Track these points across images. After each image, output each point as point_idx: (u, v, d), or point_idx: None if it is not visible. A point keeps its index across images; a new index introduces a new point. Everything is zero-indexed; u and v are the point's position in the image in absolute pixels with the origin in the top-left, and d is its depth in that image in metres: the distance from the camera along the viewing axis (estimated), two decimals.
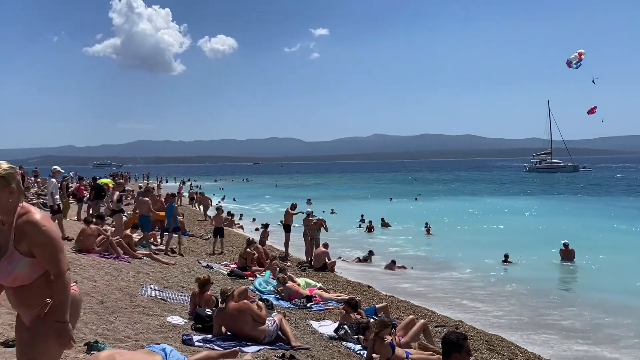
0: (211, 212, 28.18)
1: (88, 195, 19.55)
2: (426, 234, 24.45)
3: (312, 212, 17.85)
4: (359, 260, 17.73)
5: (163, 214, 15.32)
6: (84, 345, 5.20)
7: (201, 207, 30.62)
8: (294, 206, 18.03)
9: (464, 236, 24.07)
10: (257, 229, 23.59)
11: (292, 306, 9.95)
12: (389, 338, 6.63)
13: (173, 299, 8.73)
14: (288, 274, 11.63)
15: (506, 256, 17.40)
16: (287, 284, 10.62)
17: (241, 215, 30.48)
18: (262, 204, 42.12)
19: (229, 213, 25.74)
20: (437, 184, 77.14)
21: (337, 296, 10.96)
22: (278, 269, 12.62)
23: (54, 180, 13.62)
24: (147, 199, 14.38)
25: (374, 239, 23.21)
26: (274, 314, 7.75)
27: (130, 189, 33.25)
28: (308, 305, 10.12)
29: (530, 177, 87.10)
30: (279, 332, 6.90)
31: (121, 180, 22.49)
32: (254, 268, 13.39)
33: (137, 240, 13.30)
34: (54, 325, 2.77)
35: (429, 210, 34.13)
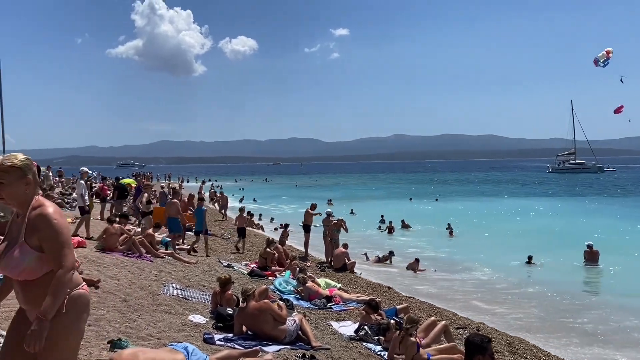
0: (230, 212, 28.38)
1: (111, 195, 19.83)
2: (449, 235, 24.24)
3: (332, 212, 17.83)
4: (379, 259, 17.68)
5: (189, 213, 15.55)
6: (107, 342, 5.27)
7: (217, 205, 30.82)
8: (313, 206, 18.03)
9: (486, 237, 23.80)
10: (276, 229, 23.67)
11: (312, 306, 9.95)
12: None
13: (194, 298, 8.80)
14: (308, 274, 11.63)
15: (530, 258, 17.16)
16: (307, 284, 10.63)
17: (260, 215, 30.61)
18: (282, 205, 42.23)
19: (248, 213, 25.86)
20: (457, 184, 76.41)
21: (357, 297, 10.93)
22: (298, 269, 12.64)
23: (82, 181, 13.90)
24: (175, 200, 14.52)
25: (394, 240, 23.08)
26: (294, 314, 7.76)
27: (153, 189, 33.57)
28: (328, 305, 10.11)
29: (554, 178, 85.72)
30: (299, 332, 6.90)
31: (149, 182, 22.68)
32: (273, 268, 13.43)
33: (158, 240, 13.45)
34: (37, 320, 2.65)
35: (449, 211, 33.82)
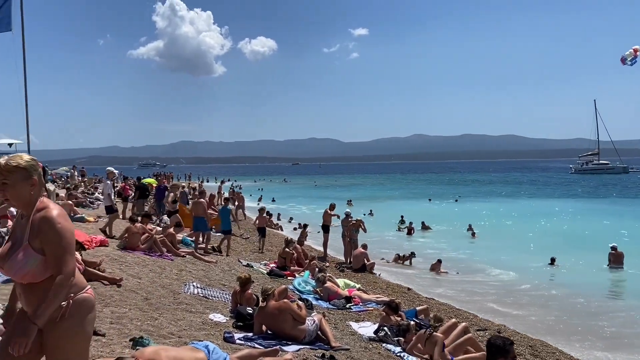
0: (249, 212, 28.52)
1: (133, 195, 20.08)
2: (471, 236, 24.02)
3: (351, 212, 17.80)
4: (399, 257, 17.59)
5: (214, 213, 15.74)
6: (130, 340, 5.33)
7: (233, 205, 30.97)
8: (332, 206, 18.02)
9: (508, 239, 23.50)
10: (295, 229, 23.71)
11: (332, 306, 9.94)
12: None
13: (215, 297, 8.87)
14: (328, 274, 11.62)
15: (553, 259, 16.91)
16: (326, 284, 10.62)
17: (279, 214, 30.70)
18: (300, 205, 42.29)
19: (267, 213, 25.98)
20: (477, 185, 75.67)
21: (377, 298, 10.88)
22: (317, 269, 12.65)
23: (109, 181, 14.13)
24: (202, 200, 14.65)
25: (412, 242, 22.93)
26: (313, 314, 7.76)
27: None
28: (347, 306, 10.09)
29: (577, 178, 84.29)
30: (319, 332, 6.90)
31: (177, 183, 22.89)
32: (292, 268, 13.45)
33: (179, 239, 13.58)
34: (26, 322, 2.61)
35: (470, 212, 33.52)
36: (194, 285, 9.24)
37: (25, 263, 2.64)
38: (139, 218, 12.35)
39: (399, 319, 8.26)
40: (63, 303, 2.66)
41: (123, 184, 23.53)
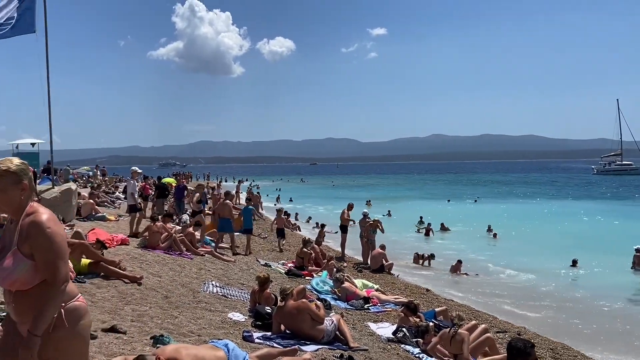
0: (267, 212, 28.62)
1: (153, 194, 20.31)
2: (493, 237, 23.78)
3: (368, 213, 17.73)
4: (418, 256, 17.49)
5: (236, 212, 15.90)
6: (150, 338, 5.39)
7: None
8: (350, 206, 17.98)
9: (528, 240, 23.19)
10: (314, 228, 23.73)
11: (350, 307, 9.92)
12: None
13: (233, 296, 8.92)
14: (346, 274, 11.60)
15: (574, 261, 16.66)
16: (344, 284, 10.61)
17: (297, 214, 30.74)
18: (317, 205, 42.29)
19: (285, 213, 26.04)
20: (497, 185, 74.83)
21: (395, 299, 10.84)
22: (335, 269, 12.64)
23: (132, 181, 14.34)
24: (228, 201, 14.79)
25: (431, 243, 22.77)
26: (331, 314, 7.76)
27: (191, 188, 34.23)
28: (365, 306, 10.06)
29: (599, 179, 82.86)
30: (337, 333, 6.89)
31: (202, 183, 23.04)
32: (310, 268, 13.47)
33: (198, 238, 13.70)
34: (26, 336, 2.51)
35: (489, 213, 33.15)
36: (213, 284, 9.30)
37: (14, 269, 2.53)
38: (160, 217, 12.49)
39: (417, 320, 8.22)
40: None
41: (143, 183, 23.80)
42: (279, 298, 7.30)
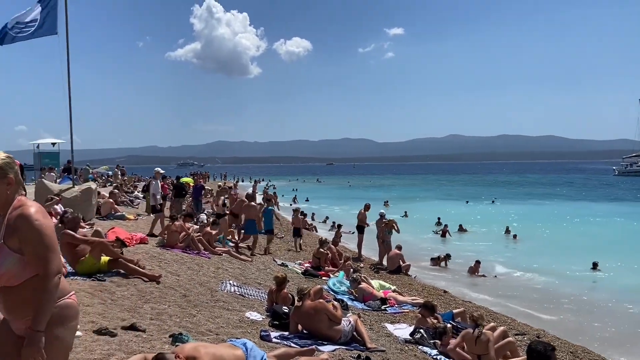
0: (283, 212, 28.70)
1: (170, 194, 20.47)
2: (513, 238, 23.55)
3: (385, 213, 17.66)
4: (434, 259, 17.38)
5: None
6: (169, 336, 5.44)
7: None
8: (367, 207, 17.93)
9: (547, 241, 22.93)
10: (332, 226, 23.71)
11: (367, 308, 9.91)
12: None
13: (251, 295, 8.96)
14: (363, 275, 11.58)
15: (595, 264, 16.41)
16: (361, 285, 10.59)
17: (313, 214, 30.75)
18: (333, 205, 42.28)
19: (301, 213, 26.08)
20: (516, 186, 74.03)
21: (412, 300, 10.79)
22: (352, 269, 12.62)
23: (154, 182, 14.50)
24: (254, 204, 14.87)
25: (449, 244, 22.58)
26: (349, 314, 7.76)
27: (209, 188, 34.49)
28: (382, 307, 10.03)
29: (620, 181, 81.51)
30: (354, 333, 6.88)
31: (225, 186, 23.10)
32: (327, 268, 13.47)
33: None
34: (28, 332, 2.44)
35: (507, 214, 32.83)
36: (230, 283, 9.36)
37: (1, 264, 2.47)
38: (179, 216, 12.60)
39: (435, 321, 8.18)
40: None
41: (162, 183, 23.99)
42: (296, 298, 7.31)
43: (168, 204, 19.64)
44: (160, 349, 4.93)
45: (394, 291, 11.35)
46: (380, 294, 10.66)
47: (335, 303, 7.49)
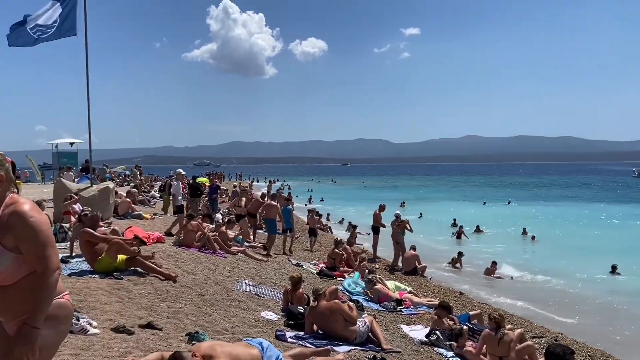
0: (298, 212, 28.70)
1: (186, 193, 20.61)
2: (531, 240, 23.29)
3: (400, 214, 17.55)
4: (454, 260, 17.26)
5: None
6: (186, 335, 5.48)
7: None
8: (382, 207, 17.84)
9: (564, 244, 22.62)
10: (347, 227, 23.68)
11: (382, 309, 9.87)
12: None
13: (266, 295, 8.98)
14: (378, 276, 11.55)
15: (614, 267, 16.15)
16: (376, 286, 10.55)
17: (328, 215, 30.71)
18: (348, 206, 42.20)
19: (317, 213, 26.07)
20: (533, 187, 73.23)
21: (428, 301, 10.72)
22: (367, 270, 12.58)
23: (176, 182, 14.60)
24: (274, 203, 14.93)
25: (464, 246, 22.38)
26: (364, 315, 7.73)
27: (224, 188, 34.65)
28: (398, 308, 9.99)
29: (638, 182, 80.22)
30: (370, 334, 6.86)
31: (246, 188, 23.08)
32: (342, 269, 13.44)
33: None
34: (24, 329, 2.38)
35: (523, 215, 32.48)
36: (246, 283, 9.39)
37: None
38: (198, 217, 12.70)
39: (451, 323, 8.12)
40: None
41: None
42: (311, 298, 7.31)
43: (184, 203, 19.77)
44: (177, 347, 4.96)
45: (409, 292, 11.29)
46: (396, 295, 10.62)
47: (351, 304, 7.47)
